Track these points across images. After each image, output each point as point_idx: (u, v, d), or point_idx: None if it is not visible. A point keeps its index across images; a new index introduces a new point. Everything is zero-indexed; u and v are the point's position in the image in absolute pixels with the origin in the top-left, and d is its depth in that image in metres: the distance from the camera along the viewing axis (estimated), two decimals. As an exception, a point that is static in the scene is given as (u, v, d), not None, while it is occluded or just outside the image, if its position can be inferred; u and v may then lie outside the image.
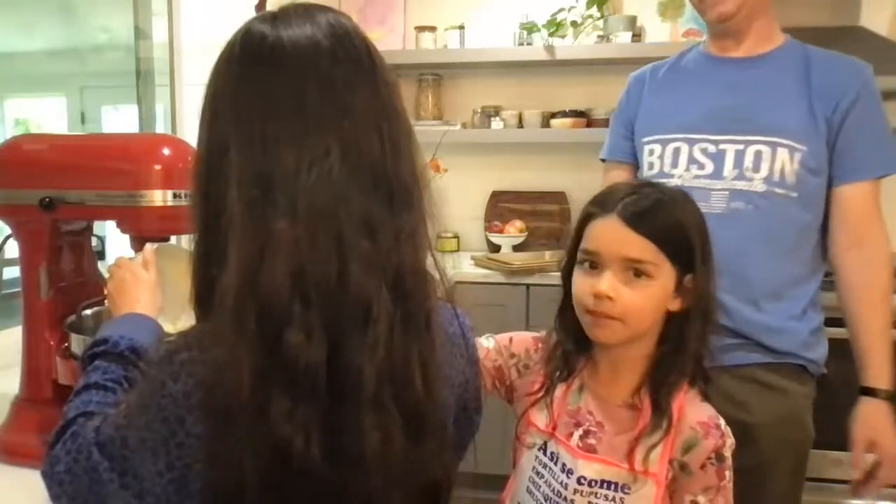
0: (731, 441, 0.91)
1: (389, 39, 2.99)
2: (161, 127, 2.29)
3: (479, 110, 2.89)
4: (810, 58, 1.30)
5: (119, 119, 2.54)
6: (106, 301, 0.93)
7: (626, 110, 1.44)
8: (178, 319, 0.97)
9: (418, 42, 2.92)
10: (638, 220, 0.90)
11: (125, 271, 0.89)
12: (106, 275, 0.92)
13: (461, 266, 2.57)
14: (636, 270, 0.90)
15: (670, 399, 0.91)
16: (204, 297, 0.67)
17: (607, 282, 0.90)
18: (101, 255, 1.11)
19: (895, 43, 2.53)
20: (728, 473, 0.90)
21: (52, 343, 0.98)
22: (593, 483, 0.91)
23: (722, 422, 0.92)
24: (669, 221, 0.92)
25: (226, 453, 0.58)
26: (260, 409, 0.57)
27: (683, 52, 1.46)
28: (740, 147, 1.24)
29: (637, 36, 2.76)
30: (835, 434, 2.34)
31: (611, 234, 0.91)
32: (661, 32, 2.76)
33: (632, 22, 2.74)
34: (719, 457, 0.89)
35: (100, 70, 2.34)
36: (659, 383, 0.92)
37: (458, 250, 2.89)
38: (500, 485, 1.06)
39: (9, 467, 0.96)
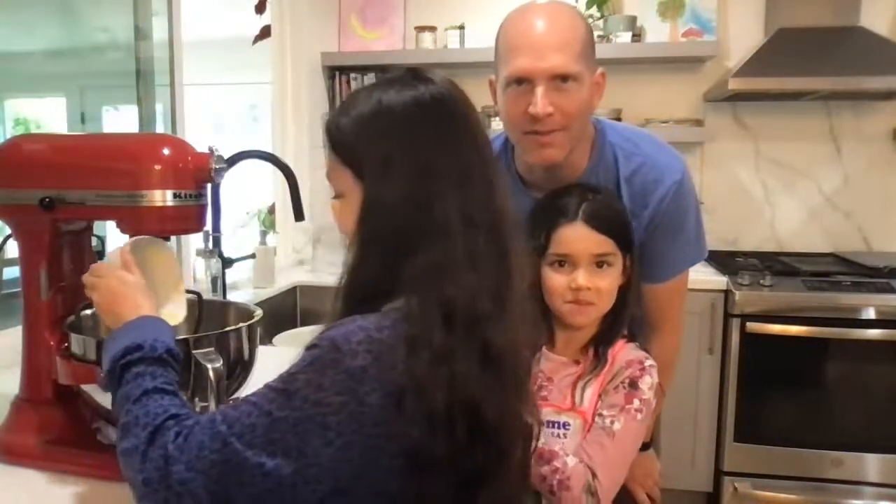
0: (651, 379, 1.09)
1: (389, 39, 2.99)
2: (161, 127, 2.29)
3: (479, 110, 2.88)
4: (619, 172, 1.27)
5: (119, 119, 2.54)
6: (95, 310, 0.91)
7: None
8: (163, 307, 0.97)
9: (418, 42, 2.92)
10: (598, 222, 1.10)
11: (110, 279, 0.88)
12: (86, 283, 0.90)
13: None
14: (600, 262, 1.09)
15: (608, 349, 1.12)
16: (354, 293, 0.76)
17: (584, 276, 1.09)
18: (101, 255, 1.11)
19: (895, 43, 2.53)
20: (636, 402, 1.06)
21: (52, 343, 0.98)
22: (545, 424, 1.06)
23: (649, 363, 1.10)
24: (618, 218, 1.14)
25: (399, 423, 0.67)
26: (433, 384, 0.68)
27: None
28: None
29: (637, 36, 2.76)
30: (835, 434, 2.35)
31: (579, 237, 1.09)
32: (661, 32, 2.77)
33: (632, 22, 2.74)
34: (632, 383, 1.08)
35: (100, 70, 2.34)
36: (602, 339, 1.12)
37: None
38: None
39: (9, 467, 0.96)
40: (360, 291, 0.77)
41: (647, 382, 1.08)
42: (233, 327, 1.01)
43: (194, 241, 2.00)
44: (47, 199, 0.94)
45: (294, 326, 2.29)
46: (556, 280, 1.10)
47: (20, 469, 0.95)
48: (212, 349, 0.93)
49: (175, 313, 0.98)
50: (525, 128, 1.18)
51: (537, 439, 0.86)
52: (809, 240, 2.85)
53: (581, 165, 1.28)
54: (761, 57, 2.51)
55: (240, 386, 1.03)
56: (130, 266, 0.90)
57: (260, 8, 2.68)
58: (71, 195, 0.94)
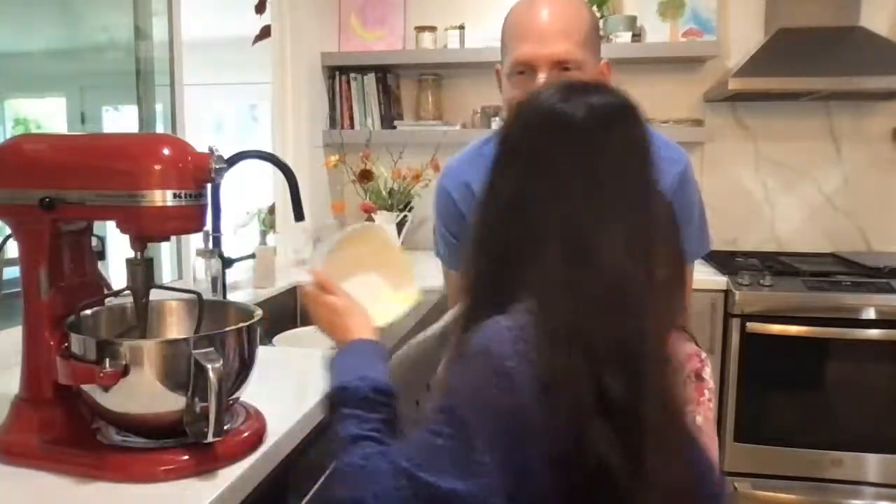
0: (709, 369, 1.13)
1: (389, 39, 2.99)
2: (161, 127, 2.29)
3: (479, 110, 2.89)
4: None
5: (119, 119, 2.54)
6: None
7: (455, 221, 1.39)
8: (399, 287, 1.03)
9: (418, 42, 2.92)
10: None
11: (317, 309, 0.97)
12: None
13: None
14: None
15: None
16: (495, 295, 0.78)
17: None
18: (101, 255, 1.11)
19: (895, 43, 2.53)
20: (707, 393, 1.11)
21: (52, 343, 0.97)
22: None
23: (704, 354, 1.15)
24: None
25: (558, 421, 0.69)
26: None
27: (490, 152, 1.40)
28: None
29: (637, 36, 2.76)
30: (835, 434, 2.35)
31: None
32: (661, 32, 2.77)
33: (632, 22, 2.74)
34: (698, 376, 1.10)
35: (100, 70, 2.34)
36: None
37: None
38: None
39: (9, 467, 0.96)
40: (490, 292, 0.79)
41: (708, 372, 1.13)
42: (233, 327, 1.01)
43: (194, 241, 2.00)
44: (47, 199, 0.93)
45: (294, 326, 2.28)
46: None
47: (20, 469, 0.95)
48: (212, 349, 0.92)
49: (408, 294, 1.03)
50: None
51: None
52: (809, 240, 2.85)
53: None
54: (761, 57, 2.51)
55: (240, 386, 1.02)
56: (328, 286, 0.96)
57: (260, 8, 2.68)
58: (71, 195, 0.94)
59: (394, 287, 1.06)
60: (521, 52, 1.17)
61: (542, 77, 1.16)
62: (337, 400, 0.83)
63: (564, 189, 0.77)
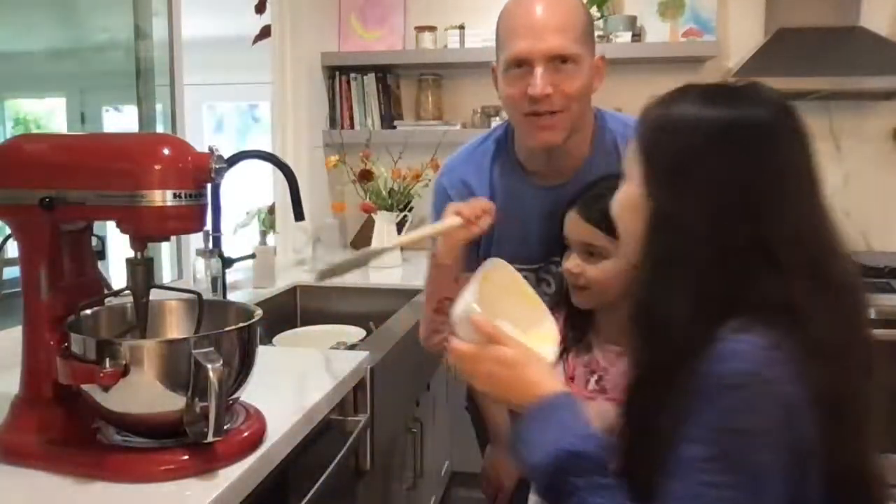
0: None
1: (389, 39, 2.99)
2: (161, 127, 2.29)
3: (479, 110, 2.89)
4: (621, 155, 1.29)
5: (119, 119, 2.54)
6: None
7: None
8: (531, 327, 0.92)
9: (418, 42, 2.92)
10: (587, 210, 1.12)
11: (485, 364, 0.80)
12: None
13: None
14: (589, 251, 1.12)
15: None
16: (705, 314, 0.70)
17: (572, 261, 1.14)
18: (101, 255, 1.11)
19: (895, 43, 2.53)
20: None
21: (52, 343, 0.97)
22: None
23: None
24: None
25: (835, 440, 0.67)
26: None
27: (488, 150, 1.39)
28: None
29: (637, 36, 2.76)
30: (835, 434, 2.34)
31: (571, 225, 1.14)
32: (661, 32, 2.77)
33: (632, 22, 2.74)
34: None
35: (100, 70, 2.34)
36: None
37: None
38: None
39: (9, 467, 0.96)
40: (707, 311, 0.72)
41: None
42: (233, 327, 1.01)
43: (194, 241, 2.00)
44: (47, 199, 0.93)
45: (294, 326, 2.28)
46: (563, 264, 1.17)
47: (20, 469, 0.95)
48: (212, 349, 0.92)
49: (551, 332, 0.93)
50: (524, 109, 1.20)
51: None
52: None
53: (582, 153, 1.28)
54: (761, 57, 2.51)
55: (240, 386, 1.02)
56: (498, 337, 0.81)
57: (260, 8, 2.68)
58: (71, 195, 0.94)
59: (535, 324, 0.95)
60: (518, 47, 1.18)
61: (538, 72, 1.16)
62: (567, 469, 0.71)
63: (791, 191, 0.75)
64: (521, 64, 1.18)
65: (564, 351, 1.18)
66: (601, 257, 1.11)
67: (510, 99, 1.22)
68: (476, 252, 1.38)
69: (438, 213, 1.39)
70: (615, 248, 1.05)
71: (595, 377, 1.16)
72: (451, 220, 1.18)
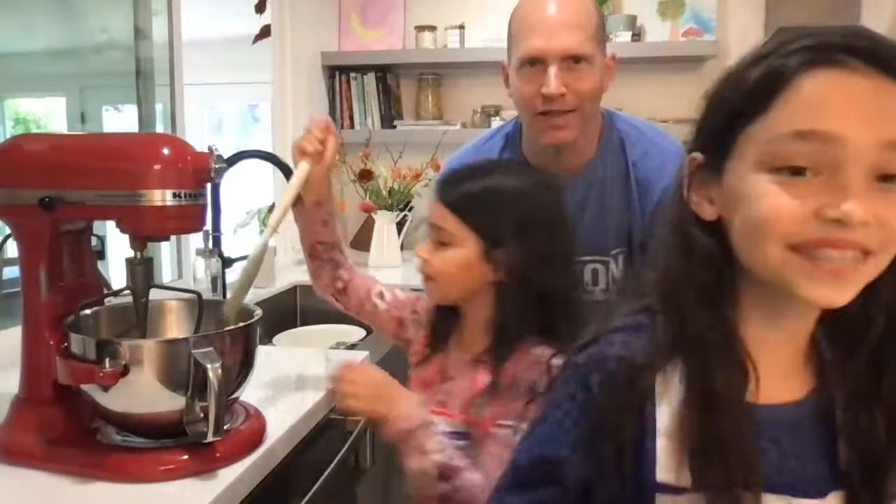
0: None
1: (389, 39, 2.99)
2: (161, 127, 2.29)
3: (479, 110, 2.89)
4: (627, 158, 1.29)
5: (119, 119, 2.54)
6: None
7: None
8: None
9: (418, 42, 2.92)
10: (443, 191, 1.05)
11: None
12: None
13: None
14: (441, 239, 1.03)
15: (504, 361, 1.00)
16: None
17: (423, 246, 1.07)
18: (101, 254, 1.11)
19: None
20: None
21: (52, 343, 0.97)
22: (448, 434, 1.00)
23: (558, 361, 0.90)
24: (473, 191, 1.03)
25: None
26: None
27: (496, 147, 1.41)
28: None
29: (637, 35, 2.76)
30: (835, 434, 2.34)
31: (429, 207, 1.07)
32: (661, 32, 2.76)
33: (632, 21, 2.74)
34: (532, 389, 0.94)
35: (100, 70, 2.34)
36: (496, 347, 1.02)
37: (458, 250, 2.89)
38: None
39: (9, 467, 0.96)
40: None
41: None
42: (233, 327, 1.01)
43: (194, 240, 2.00)
44: (47, 199, 0.93)
45: (294, 326, 2.29)
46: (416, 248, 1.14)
47: (20, 469, 0.95)
48: (212, 349, 0.92)
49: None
50: (538, 108, 1.21)
51: None
52: None
53: (589, 151, 1.29)
54: (761, 56, 2.51)
55: (240, 386, 1.02)
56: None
57: (260, 7, 2.68)
58: (71, 195, 0.94)
59: None
60: (532, 45, 1.18)
61: (552, 71, 1.17)
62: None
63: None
64: (535, 62, 1.19)
65: (427, 356, 1.13)
66: (449, 246, 1.03)
67: (523, 97, 1.22)
68: None
69: None
70: (462, 238, 1.02)
71: (444, 386, 1.08)
72: (301, 167, 1.12)
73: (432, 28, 2.90)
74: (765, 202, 0.58)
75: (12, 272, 1.03)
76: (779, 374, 0.65)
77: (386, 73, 2.97)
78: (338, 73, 2.99)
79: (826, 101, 0.56)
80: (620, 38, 2.70)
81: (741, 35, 2.77)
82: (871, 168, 0.56)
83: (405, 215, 2.82)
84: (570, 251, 1.08)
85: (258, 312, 1.06)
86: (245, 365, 1.02)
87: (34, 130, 2.42)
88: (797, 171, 0.57)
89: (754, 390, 0.62)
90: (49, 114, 2.66)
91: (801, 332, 0.66)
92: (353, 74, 2.97)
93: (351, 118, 2.99)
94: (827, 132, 0.56)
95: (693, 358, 0.63)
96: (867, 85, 0.56)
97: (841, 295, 0.58)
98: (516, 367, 0.99)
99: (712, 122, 0.64)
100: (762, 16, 2.75)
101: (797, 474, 0.63)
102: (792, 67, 0.58)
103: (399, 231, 2.79)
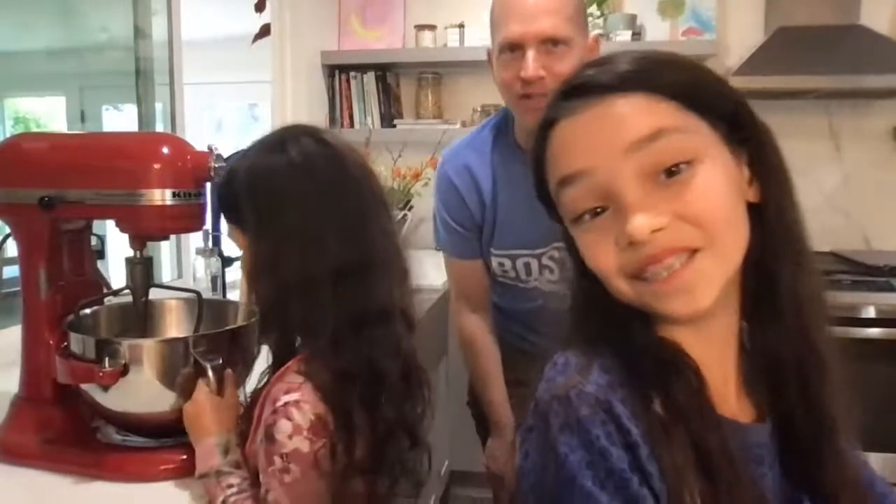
0: (288, 423, 0.79)
1: (389, 38, 2.99)
2: (161, 126, 2.29)
3: (479, 109, 2.89)
4: None
5: (119, 118, 2.54)
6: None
7: (461, 211, 1.39)
8: None
9: (418, 41, 2.92)
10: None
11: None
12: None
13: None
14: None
15: (258, 390, 0.90)
16: None
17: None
18: (100, 254, 1.11)
19: (895, 42, 2.53)
20: (278, 461, 0.79)
21: (51, 342, 0.97)
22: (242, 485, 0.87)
23: (287, 398, 0.80)
24: (226, 181, 0.91)
25: None
26: None
27: (487, 139, 1.40)
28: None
29: (637, 35, 2.75)
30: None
31: None
32: (661, 31, 2.76)
33: (632, 20, 2.74)
34: (268, 436, 0.80)
35: (100, 69, 2.34)
36: (271, 367, 0.90)
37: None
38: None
39: (8, 467, 0.96)
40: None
41: (285, 429, 0.79)
42: (233, 327, 1.01)
43: (194, 240, 2.00)
44: (47, 199, 0.93)
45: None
46: None
47: (20, 469, 0.95)
48: (212, 348, 0.92)
49: None
50: (518, 92, 1.22)
51: None
52: (809, 239, 2.84)
53: None
54: (761, 56, 2.50)
55: (239, 385, 1.02)
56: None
57: (260, 7, 2.68)
58: (70, 194, 0.94)
59: None
60: (510, 31, 1.20)
61: (530, 55, 1.18)
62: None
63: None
64: (514, 48, 1.20)
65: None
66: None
67: (504, 82, 1.24)
68: (479, 241, 1.38)
69: (447, 198, 1.40)
70: (237, 238, 0.93)
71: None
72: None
73: (432, 27, 2.90)
74: (588, 253, 0.60)
75: (12, 272, 1.03)
76: (732, 393, 0.63)
77: (386, 73, 2.97)
78: (337, 73, 2.99)
79: (565, 146, 0.59)
80: (620, 37, 2.70)
81: (741, 34, 2.77)
82: (640, 174, 0.56)
83: (405, 214, 2.82)
84: (329, 230, 0.86)
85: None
86: (245, 364, 1.02)
87: (34, 130, 2.42)
88: (596, 212, 0.58)
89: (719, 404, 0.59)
90: (49, 113, 2.66)
91: (729, 346, 0.63)
92: (352, 74, 2.96)
93: (351, 117, 2.99)
94: (578, 170, 0.58)
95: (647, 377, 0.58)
96: (593, 113, 0.58)
97: (693, 300, 0.56)
98: (269, 391, 0.85)
99: (539, 195, 0.66)
100: (762, 15, 2.75)
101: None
102: (541, 133, 0.62)
103: (399, 231, 2.79)
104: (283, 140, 0.89)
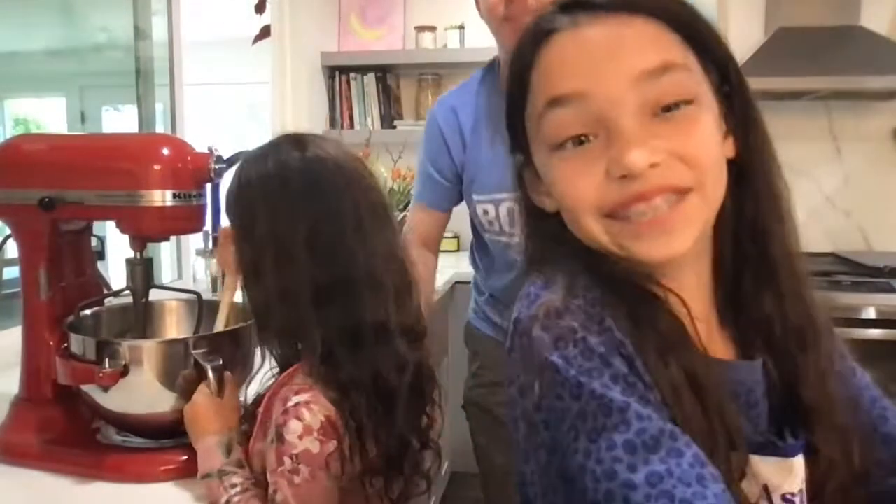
0: (298, 423, 0.78)
1: (389, 39, 2.99)
2: (161, 127, 2.29)
3: (479, 110, 2.89)
4: None
5: (119, 119, 2.54)
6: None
7: (442, 157, 1.39)
8: None
9: (418, 42, 2.92)
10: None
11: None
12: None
13: (461, 266, 2.56)
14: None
15: (261, 395, 0.89)
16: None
17: None
18: (100, 255, 1.11)
19: (895, 43, 2.53)
20: (288, 462, 0.78)
21: (51, 343, 0.97)
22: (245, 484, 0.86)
23: (297, 399, 0.80)
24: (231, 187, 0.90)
25: None
26: None
27: (476, 78, 1.41)
28: None
29: (637, 36, 2.75)
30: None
31: None
32: (661, 32, 2.76)
33: (632, 22, 2.74)
34: (278, 436, 0.79)
35: (100, 70, 2.34)
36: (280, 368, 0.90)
37: (458, 250, 2.90)
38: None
39: (9, 467, 0.96)
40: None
41: (295, 429, 0.78)
42: (232, 327, 1.01)
43: (194, 241, 2.00)
44: (47, 199, 0.93)
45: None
46: None
47: (20, 469, 0.95)
48: (211, 349, 0.92)
49: None
50: (501, 13, 1.21)
51: None
52: (809, 239, 2.82)
53: None
54: (761, 56, 2.50)
55: (239, 386, 1.02)
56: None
57: (260, 8, 2.68)
58: (70, 195, 0.94)
59: None
60: None
61: None
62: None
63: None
64: None
65: None
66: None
67: (488, 6, 1.23)
68: (459, 182, 1.39)
69: (430, 142, 1.41)
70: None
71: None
72: (228, 279, 0.98)
73: (432, 28, 2.90)
74: (562, 183, 0.56)
75: (12, 272, 1.03)
76: (714, 329, 0.61)
77: (386, 74, 2.97)
78: (338, 74, 2.99)
79: (563, 62, 0.56)
80: (620, 38, 2.70)
81: (741, 35, 2.77)
82: (642, 106, 0.54)
83: (405, 215, 2.82)
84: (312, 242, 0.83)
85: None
86: (245, 365, 1.02)
87: (34, 130, 2.42)
88: (580, 140, 0.55)
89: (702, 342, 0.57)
90: (49, 114, 2.66)
91: (699, 301, 0.60)
92: (352, 74, 2.97)
93: (351, 118, 2.99)
94: (575, 91, 0.54)
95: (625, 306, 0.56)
96: (599, 31, 0.54)
97: (673, 243, 0.54)
98: (273, 396, 0.85)
99: (508, 119, 0.63)
100: (762, 15, 2.75)
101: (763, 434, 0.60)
102: (530, 46, 0.58)
103: (399, 231, 2.79)
104: (267, 149, 0.89)
